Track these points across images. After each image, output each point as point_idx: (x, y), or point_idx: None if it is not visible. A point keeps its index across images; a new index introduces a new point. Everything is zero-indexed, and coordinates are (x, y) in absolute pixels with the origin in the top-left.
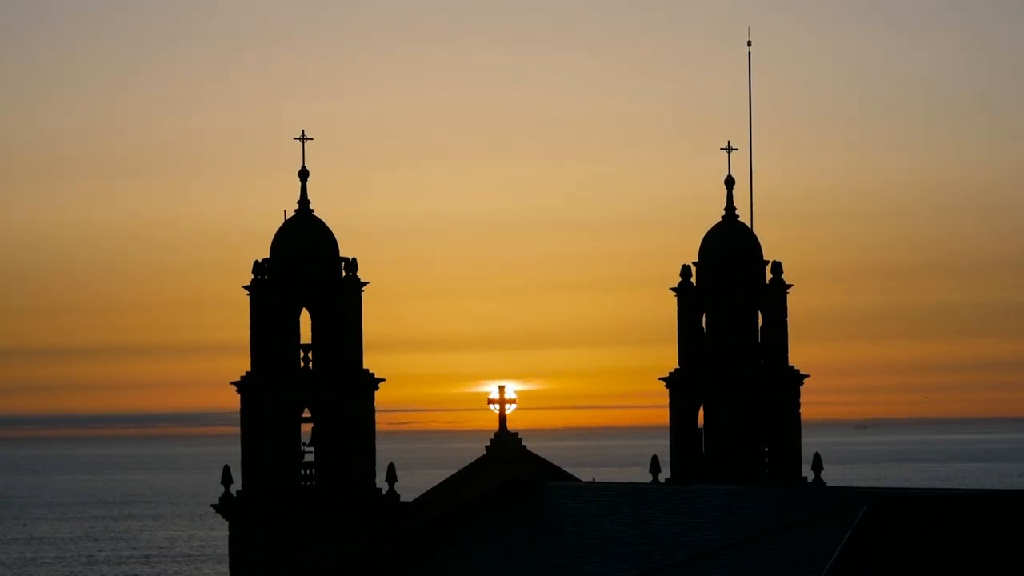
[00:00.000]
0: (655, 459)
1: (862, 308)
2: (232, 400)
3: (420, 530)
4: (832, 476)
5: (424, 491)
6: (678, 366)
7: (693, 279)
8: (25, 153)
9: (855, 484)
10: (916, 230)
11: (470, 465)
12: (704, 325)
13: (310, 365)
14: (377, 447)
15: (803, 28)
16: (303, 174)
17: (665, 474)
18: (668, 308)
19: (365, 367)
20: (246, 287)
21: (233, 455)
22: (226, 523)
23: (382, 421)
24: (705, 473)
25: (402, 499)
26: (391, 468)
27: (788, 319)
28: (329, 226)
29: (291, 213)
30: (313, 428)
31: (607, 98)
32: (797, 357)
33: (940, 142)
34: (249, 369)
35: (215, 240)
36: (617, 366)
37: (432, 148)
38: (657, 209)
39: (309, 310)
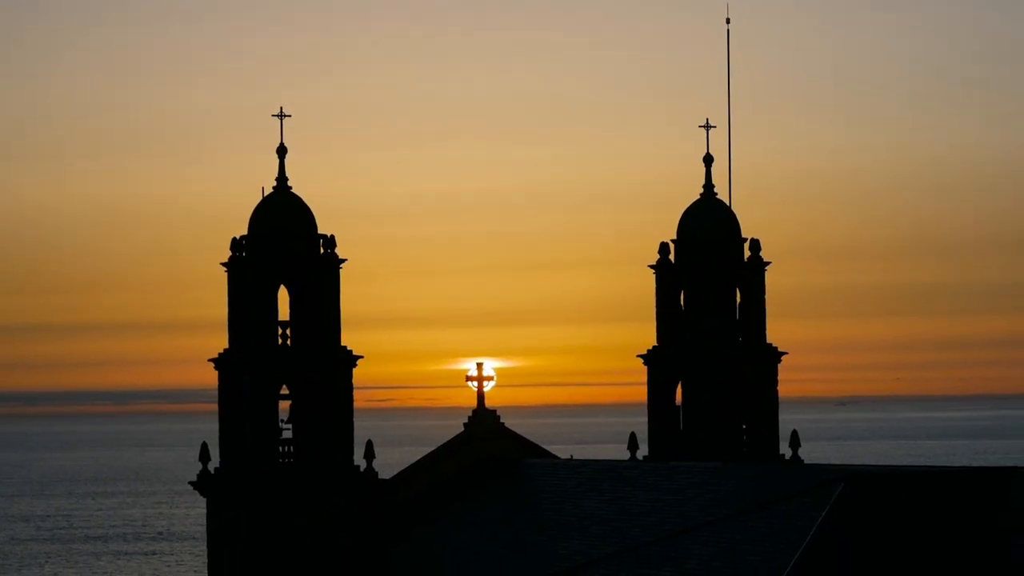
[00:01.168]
0: (633, 436)
1: (841, 286)
2: (210, 377)
3: (398, 507)
4: (810, 453)
5: (402, 468)
6: (656, 344)
7: (671, 257)
8: (3, 133)
9: (833, 461)
10: (895, 209)
11: (448, 442)
12: (682, 303)
13: (288, 342)
14: (355, 424)
15: (783, 5)
16: (281, 151)
17: (643, 451)
18: (646, 286)
19: (343, 344)
20: (224, 264)
21: (211, 432)
22: (204, 500)
23: (360, 398)
24: (683, 450)
25: (380, 476)
26: (369, 445)
27: (766, 297)
28: (307, 203)
29: (269, 190)
30: (291, 405)
31: (585, 76)
32: (775, 335)
33: (920, 121)
34: (227, 346)
35: (193, 217)
36: (595, 343)
37: (411, 126)
38: (635, 187)
39: (287, 287)
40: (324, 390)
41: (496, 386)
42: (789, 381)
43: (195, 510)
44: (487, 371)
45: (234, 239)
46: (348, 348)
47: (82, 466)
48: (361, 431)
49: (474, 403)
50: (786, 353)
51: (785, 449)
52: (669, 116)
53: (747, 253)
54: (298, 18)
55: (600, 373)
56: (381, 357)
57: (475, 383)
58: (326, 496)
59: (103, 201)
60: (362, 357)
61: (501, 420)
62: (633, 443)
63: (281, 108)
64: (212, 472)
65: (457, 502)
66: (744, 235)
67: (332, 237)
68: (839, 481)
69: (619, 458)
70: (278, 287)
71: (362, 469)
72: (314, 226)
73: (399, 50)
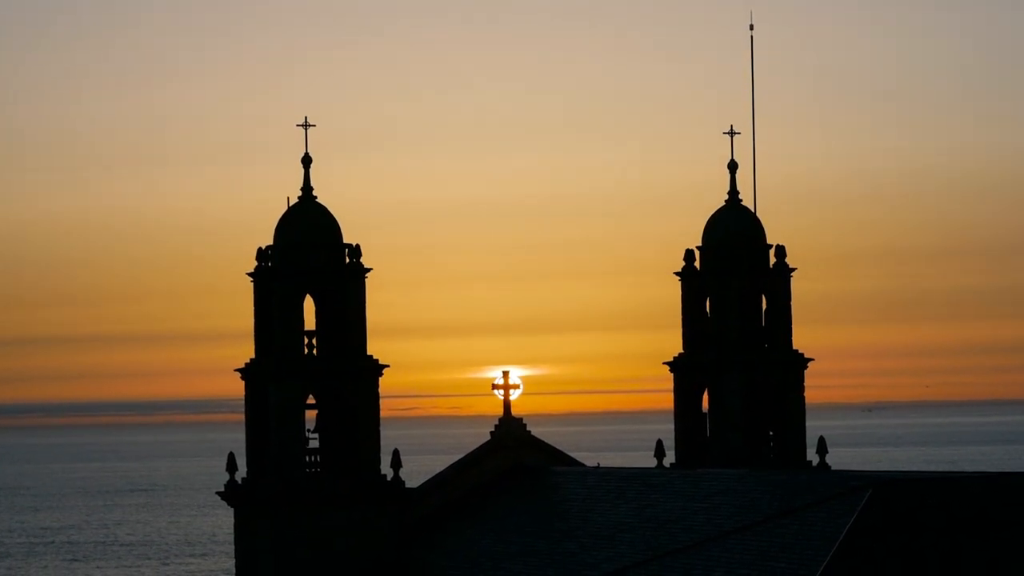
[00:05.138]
0: (660, 444)
1: (866, 291)
2: (236, 387)
3: (425, 516)
4: (837, 460)
5: (429, 477)
6: (682, 350)
7: (697, 263)
8: (29, 144)
9: (860, 468)
10: (921, 214)
11: (475, 451)
12: (708, 309)
13: (314, 352)
14: (382, 433)
15: (806, 11)
16: (306, 161)
17: (670, 459)
18: (672, 293)
19: (369, 353)
20: (250, 274)
21: (238, 442)
22: (232, 510)
23: (386, 407)
24: (710, 457)
25: (407, 485)
26: (396, 454)
27: (792, 303)
28: (332, 213)
29: (294, 200)
30: (317, 415)
31: (609, 84)
32: (801, 341)
33: (946, 126)
34: (253, 356)
35: (219, 227)
36: (621, 351)
37: (436, 135)
38: (660, 193)
39: (313, 297)
40: (350, 399)
41: (523, 394)
42: (816, 387)
43: (223, 520)
44: (513, 379)
45: (260, 249)
46: (374, 357)
47: (109, 477)
48: (388, 440)
49: (501, 411)
50: (812, 359)
51: (812, 456)
52: (693, 123)
53: (772, 259)
54: (322, 28)
55: (626, 380)
56: (407, 366)
57: (501, 391)
58: (354, 505)
59: (128, 212)
60: (388, 366)
61: (528, 428)
62: (660, 450)
63: (306, 118)
64: (239, 482)
65: (484, 510)
66: (769, 241)
67: (357, 246)
68: (867, 488)
69: (646, 466)
70: (304, 297)
71: (389, 478)
72: (339, 236)
73: (425, 58)
